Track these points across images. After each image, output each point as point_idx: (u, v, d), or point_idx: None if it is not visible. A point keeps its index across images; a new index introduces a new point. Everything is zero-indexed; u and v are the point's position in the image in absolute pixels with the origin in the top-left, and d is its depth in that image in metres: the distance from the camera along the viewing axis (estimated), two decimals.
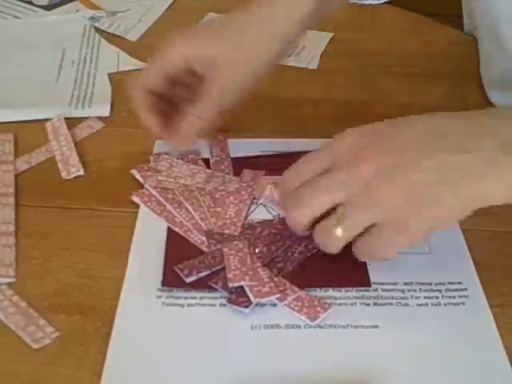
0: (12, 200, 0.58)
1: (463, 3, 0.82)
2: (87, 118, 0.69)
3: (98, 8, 0.88)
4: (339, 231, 0.47)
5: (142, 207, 0.58)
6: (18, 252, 0.54)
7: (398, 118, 0.49)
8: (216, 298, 0.50)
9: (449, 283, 0.52)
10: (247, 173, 0.60)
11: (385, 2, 0.70)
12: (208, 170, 0.61)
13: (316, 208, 0.48)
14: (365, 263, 0.53)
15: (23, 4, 0.89)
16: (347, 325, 0.49)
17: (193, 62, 0.57)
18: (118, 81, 0.75)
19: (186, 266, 0.52)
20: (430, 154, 0.46)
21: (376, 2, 0.70)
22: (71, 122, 0.68)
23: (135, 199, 0.58)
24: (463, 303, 0.50)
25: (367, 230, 0.47)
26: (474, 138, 0.46)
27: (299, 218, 0.49)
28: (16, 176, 0.61)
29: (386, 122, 0.49)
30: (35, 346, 0.47)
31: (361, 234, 0.47)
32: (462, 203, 0.45)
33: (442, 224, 0.47)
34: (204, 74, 0.57)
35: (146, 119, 0.60)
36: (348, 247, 0.54)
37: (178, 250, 0.54)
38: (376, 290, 0.51)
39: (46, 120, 0.68)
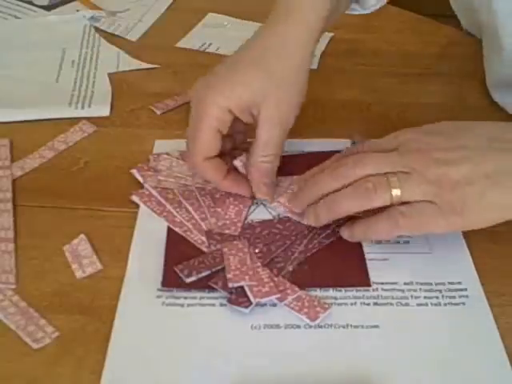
0: (10, 205, 0.58)
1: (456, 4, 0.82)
2: (81, 119, 0.68)
3: (98, 8, 0.88)
4: (397, 191, 0.49)
5: (142, 207, 0.58)
6: (17, 252, 0.54)
7: (456, 121, 0.53)
8: (216, 298, 0.50)
9: (449, 283, 0.52)
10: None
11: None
12: None
13: (379, 165, 0.51)
14: (365, 263, 0.53)
15: (23, 4, 0.89)
16: (347, 325, 0.49)
17: (238, 113, 0.55)
18: (118, 81, 0.75)
19: (186, 267, 0.52)
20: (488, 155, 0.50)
21: (365, 12, 0.70)
22: (68, 123, 0.68)
23: (135, 199, 0.58)
24: (463, 303, 0.50)
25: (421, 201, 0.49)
26: None
27: (359, 173, 0.51)
28: (15, 178, 0.61)
29: (446, 122, 0.53)
30: (35, 346, 0.47)
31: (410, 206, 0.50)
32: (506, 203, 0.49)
33: (486, 220, 0.50)
34: (248, 119, 0.56)
35: (234, 186, 0.57)
36: (348, 247, 0.54)
37: (178, 250, 0.54)
38: (376, 289, 0.51)
39: (46, 120, 0.68)
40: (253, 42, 0.57)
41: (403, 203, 0.50)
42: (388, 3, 0.73)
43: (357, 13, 0.70)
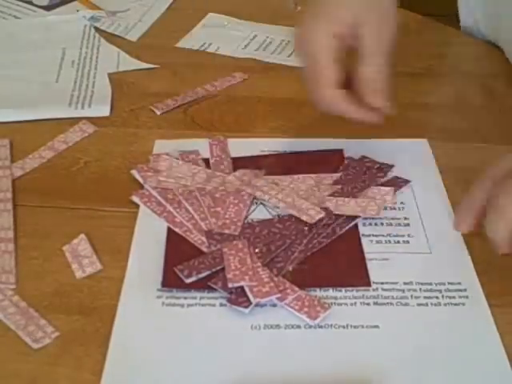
0: (10, 205, 0.58)
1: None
2: (81, 119, 0.68)
3: (98, 8, 0.88)
4: None
5: (142, 207, 0.58)
6: (17, 252, 0.54)
7: None
8: (216, 298, 0.50)
9: (449, 283, 0.52)
10: (245, 172, 0.60)
11: None
12: (208, 170, 0.61)
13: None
14: (365, 263, 0.53)
15: (23, 4, 0.89)
16: (347, 325, 0.49)
17: (344, 35, 0.56)
18: (117, 81, 0.75)
19: (186, 267, 0.52)
20: None
21: None
22: (68, 123, 0.68)
23: (135, 199, 0.58)
24: (463, 303, 0.50)
25: None
26: None
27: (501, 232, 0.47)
28: (15, 178, 0.61)
29: None
30: (35, 346, 0.47)
31: None
32: None
33: None
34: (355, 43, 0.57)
35: (360, 112, 0.58)
36: (348, 247, 0.54)
37: (178, 250, 0.54)
38: (376, 289, 0.51)
39: (46, 120, 0.68)
40: None
41: None
42: None
43: None
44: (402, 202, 0.59)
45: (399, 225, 0.56)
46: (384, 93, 0.57)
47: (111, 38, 0.82)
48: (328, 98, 0.57)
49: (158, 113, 0.70)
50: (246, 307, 0.49)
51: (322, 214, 0.55)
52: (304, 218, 0.55)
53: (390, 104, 0.57)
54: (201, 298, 0.50)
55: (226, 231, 0.55)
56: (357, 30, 0.56)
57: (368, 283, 0.51)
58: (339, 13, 0.56)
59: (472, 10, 0.83)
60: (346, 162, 0.62)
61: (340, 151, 0.63)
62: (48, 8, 0.89)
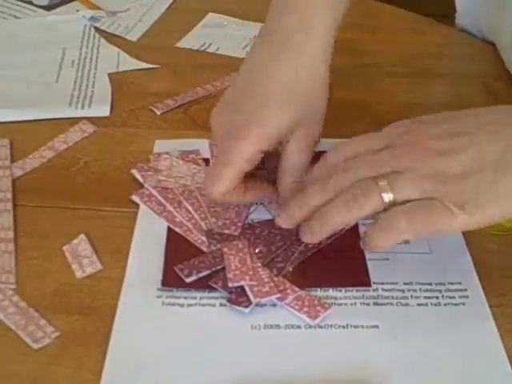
0: (10, 205, 0.58)
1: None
2: (81, 119, 0.68)
3: (98, 8, 0.88)
4: (389, 195, 0.45)
5: (142, 207, 0.58)
6: (17, 252, 0.54)
7: (448, 111, 0.49)
8: (216, 298, 0.50)
9: (449, 283, 0.52)
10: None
11: None
12: None
13: (368, 169, 0.47)
14: (365, 263, 0.53)
15: (23, 4, 0.89)
16: (347, 325, 0.49)
17: (269, 148, 0.53)
18: (117, 81, 0.75)
19: (186, 266, 0.52)
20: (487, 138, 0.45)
21: None
22: (68, 123, 0.68)
23: (135, 199, 0.58)
24: (463, 303, 0.50)
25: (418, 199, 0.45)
26: None
27: (348, 180, 0.47)
28: (15, 178, 0.61)
29: (437, 113, 0.49)
30: (35, 346, 0.47)
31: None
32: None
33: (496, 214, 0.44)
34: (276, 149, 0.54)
35: (257, 195, 0.56)
36: (348, 247, 0.54)
37: (178, 250, 0.54)
38: (376, 289, 0.51)
39: (46, 120, 0.68)
40: (274, 70, 0.53)
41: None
42: (388, 3, 0.73)
43: None
44: None
45: None
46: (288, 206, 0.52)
47: (111, 38, 0.82)
48: (216, 199, 0.53)
49: (158, 113, 0.70)
50: (246, 307, 0.49)
51: None
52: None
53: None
54: (201, 297, 0.50)
55: (226, 231, 0.55)
56: (290, 133, 0.53)
57: (368, 283, 0.51)
58: (265, 131, 0.52)
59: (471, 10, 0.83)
60: None
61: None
62: (48, 8, 0.89)
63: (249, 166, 0.52)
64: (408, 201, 0.45)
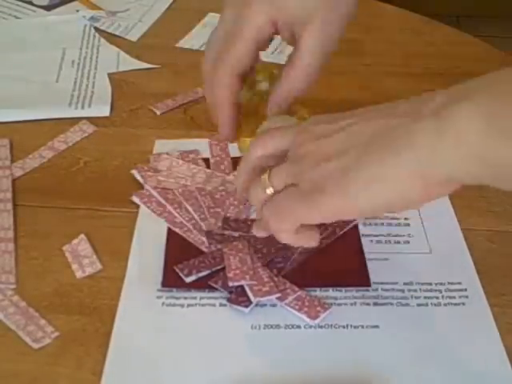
0: (10, 205, 0.58)
1: None
2: (81, 119, 0.68)
3: (98, 8, 0.88)
4: (269, 188, 0.43)
5: (142, 207, 0.58)
6: (17, 252, 0.54)
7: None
8: (216, 298, 0.50)
9: (449, 283, 0.52)
10: None
11: None
12: (208, 170, 0.61)
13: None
14: (365, 263, 0.53)
15: (23, 4, 0.89)
16: (347, 325, 0.49)
17: (282, 26, 0.50)
18: (117, 81, 0.75)
19: (186, 266, 0.52)
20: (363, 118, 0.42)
21: None
22: (68, 123, 0.68)
23: (135, 200, 0.58)
24: (463, 303, 0.50)
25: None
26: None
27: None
28: (15, 178, 0.61)
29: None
30: (35, 346, 0.47)
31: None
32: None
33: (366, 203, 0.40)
34: (290, 38, 0.51)
35: (227, 117, 0.52)
36: (348, 247, 0.54)
37: (178, 250, 0.54)
38: (376, 289, 0.51)
39: (46, 120, 0.68)
40: None
41: None
42: (388, 3, 0.73)
43: None
44: None
45: (399, 225, 0.56)
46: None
47: (111, 38, 0.82)
48: (222, 76, 0.50)
49: (158, 113, 0.70)
50: (246, 306, 0.49)
51: None
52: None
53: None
54: (201, 298, 0.50)
55: (226, 232, 0.55)
56: (295, 28, 0.50)
57: (368, 283, 0.51)
58: (289, 2, 0.49)
59: None
60: None
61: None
62: (48, 8, 0.89)
63: (261, 37, 0.49)
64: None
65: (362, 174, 0.39)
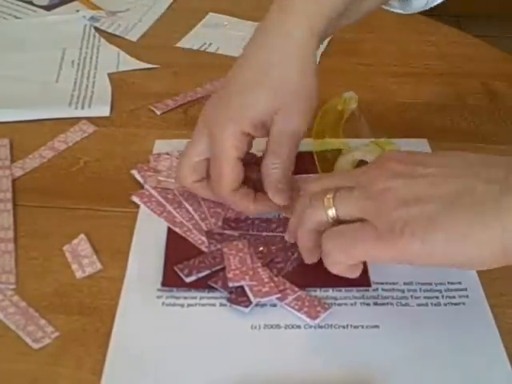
0: (10, 205, 0.58)
1: None
2: (81, 119, 0.68)
3: (98, 8, 0.88)
4: (332, 210, 0.44)
5: (142, 207, 0.58)
6: (17, 252, 0.54)
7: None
8: (216, 298, 0.50)
9: (449, 283, 0.52)
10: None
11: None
12: None
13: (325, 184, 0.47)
14: (365, 263, 0.53)
15: (23, 4, 0.89)
16: (347, 325, 0.49)
17: (253, 132, 0.53)
18: (117, 81, 0.75)
19: (186, 266, 0.52)
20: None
21: (404, 12, 0.67)
22: (68, 123, 0.68)
23: (135, 200, 0.58)
24: (463, 303, 0.50)
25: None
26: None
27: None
28: (15, 178, 0.61)
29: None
30: (35, 346, 0.47)
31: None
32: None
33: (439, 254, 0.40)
34: (264, 135, 0.54)
35: (265, 207, 0.55)
36: None
37: (178, 250, 0.54)
38: (376, 289, 0.51)
39: (46, 120, 0.68)
40: (252, 57, 0.54)
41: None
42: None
43: (395, 11, 0.65)
44: None
45: None
46: (284, 192, 0.53)
47: (111, 38, 0.82)
48: (225, 198, 0.54)
49: (158, 113, 0.70)
50: (246, 306, 0.49)
51: None
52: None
53: (282, 199, 0.53)
54: (201, 297, 0.50)
55: (226, 232, 0.55)
56: (271, 118, 0.52)
57: (368, 283, 0.51)
58: (246, 112, 0.52)
59: None
60: None
61: (339, 151, 0.63)
62: (48, 8, 0.89)
63: (239, 151, 0.53)
64: (352, 220, 0.44)
65: (448, 228, 0.40)
